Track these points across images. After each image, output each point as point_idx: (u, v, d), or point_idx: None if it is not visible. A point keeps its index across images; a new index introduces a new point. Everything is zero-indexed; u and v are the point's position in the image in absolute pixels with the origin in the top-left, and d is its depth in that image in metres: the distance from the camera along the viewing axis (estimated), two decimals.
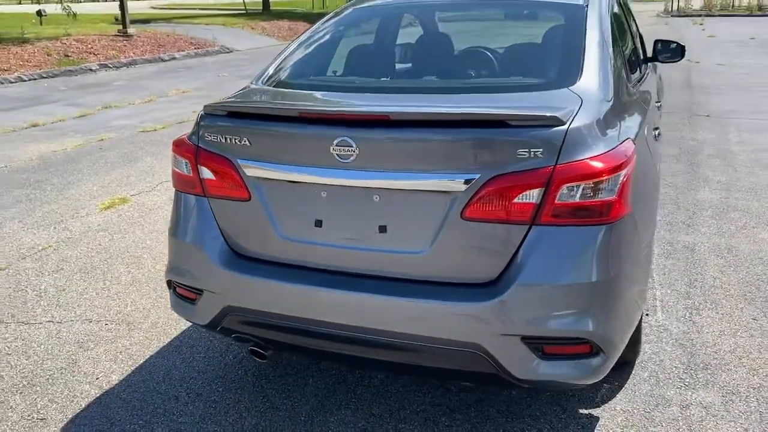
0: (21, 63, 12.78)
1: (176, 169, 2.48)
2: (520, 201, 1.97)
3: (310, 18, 24.56)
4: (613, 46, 2.64)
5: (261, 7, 28.64)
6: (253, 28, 21.30)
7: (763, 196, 4.95)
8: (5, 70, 12.12)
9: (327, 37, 3.11)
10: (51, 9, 20.54)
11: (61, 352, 3.07)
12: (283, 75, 2.82)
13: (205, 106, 2.41)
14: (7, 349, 3.11)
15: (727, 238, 4.20)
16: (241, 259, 2.35)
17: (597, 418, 2.50)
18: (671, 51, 4.26)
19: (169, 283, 2.55)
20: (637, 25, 4.23)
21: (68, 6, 17.54)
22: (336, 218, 2.19)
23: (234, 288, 2.33)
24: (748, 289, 3.50)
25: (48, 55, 13.47)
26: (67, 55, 13.75)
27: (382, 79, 2.91)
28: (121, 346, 3.11)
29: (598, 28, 2.62)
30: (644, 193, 2.33)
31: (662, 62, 4.36)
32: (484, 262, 2.04)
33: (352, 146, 2.07)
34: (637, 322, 2.38)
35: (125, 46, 15.56)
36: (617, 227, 2.03)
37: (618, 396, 2.63)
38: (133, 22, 19.67)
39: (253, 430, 2.49)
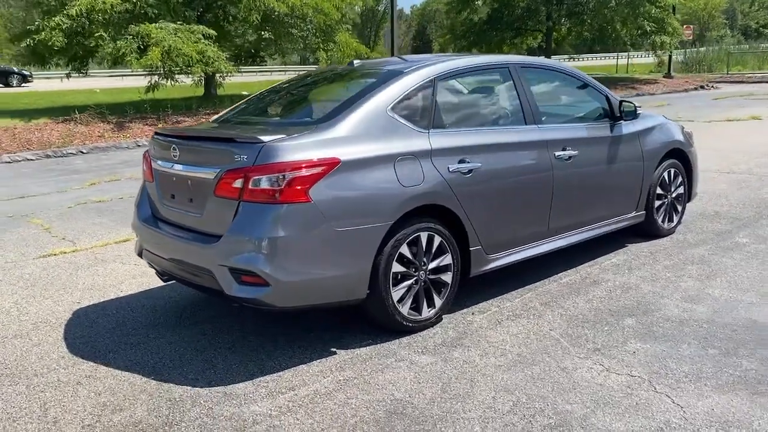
0: None
1: (143, 167, 4.30)
2: (234, 186, 3.32)
3: None
4: (403, 101, 3.74)
5: None
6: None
7: (752, 262, 4.91)
8: None
9: (253, 97, 4.70)
10: None
11: (115, 277, 5.09)
12: (218, 115, 4.50)
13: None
14: (92, 266, 5.25)
15: (646, 282, 4.51)
16: (150, 218, 4.04)
17: (335, 352, 3.56)
18: (629, 110, 4.89)
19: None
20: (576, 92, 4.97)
21: None
22: (178, 193, 3.75)
23: (142, 234, 4.03)
24: (590, 314, 3.99)
25: None
26: None
27: (242, 116, 4.32)
28: (145, 281, 4.99)
29: (390, 87, 3.76)
30: (352, 196, 3.39)
31: (625, 120, 4.94)
32: (222, 222, 3.40)
33: (176, 151, 3.63)
34: (324, 280, 3.40)
35: None
36: (289, 207, 3.23)
37: (367, 346, 3.62)
38: None
39: (164, 322, 4.12)
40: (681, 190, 5.65)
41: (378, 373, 3.33)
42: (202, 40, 14.95)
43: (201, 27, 15.21)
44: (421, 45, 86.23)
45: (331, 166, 3.34)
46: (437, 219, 3.80)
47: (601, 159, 4.80)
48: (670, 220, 5.62)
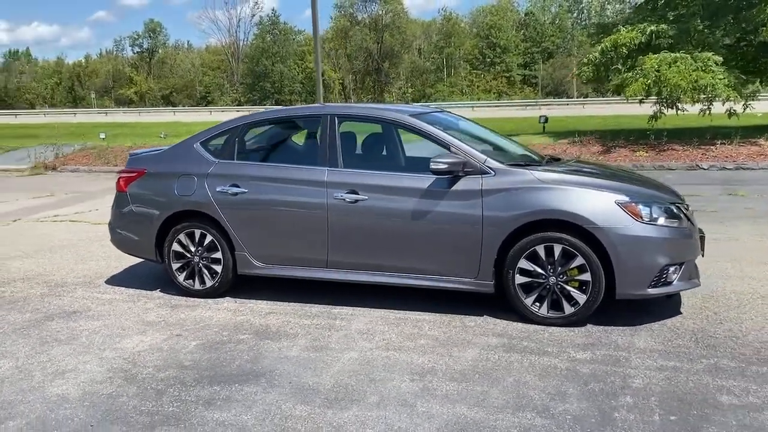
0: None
1: None
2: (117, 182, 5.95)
3: None
4: (213, 139, 5.49)
5: None
6: None
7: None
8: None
9: None
10: None
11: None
12: None
13: None
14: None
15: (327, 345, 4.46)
16: None
17: (151, 294, 5.73)
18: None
19: None
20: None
21: None
22: None
23: None
24: (216, 339, 4.71)
25: None
26: None
27: None
28: None
29: (211, 129, 5.55)
30: (147, 193, 5.49)
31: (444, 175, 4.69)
32: None
33: None
34: (130, 240, 5.62)
35: None
36: (119, 194, 5.70)
37: (151, 290, 5.61)
38: None
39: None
40: (585, 276, 4.33)
41: (114, 306, 5.40)
42: (711, 68, 14.18)
43: (708, 54, 14.33)
44: None
45: (140, 173, 5.58)
46: (210, 223, 5.32)
47: (404, 210, 4.69)
48: (556, 308, 4.43)
